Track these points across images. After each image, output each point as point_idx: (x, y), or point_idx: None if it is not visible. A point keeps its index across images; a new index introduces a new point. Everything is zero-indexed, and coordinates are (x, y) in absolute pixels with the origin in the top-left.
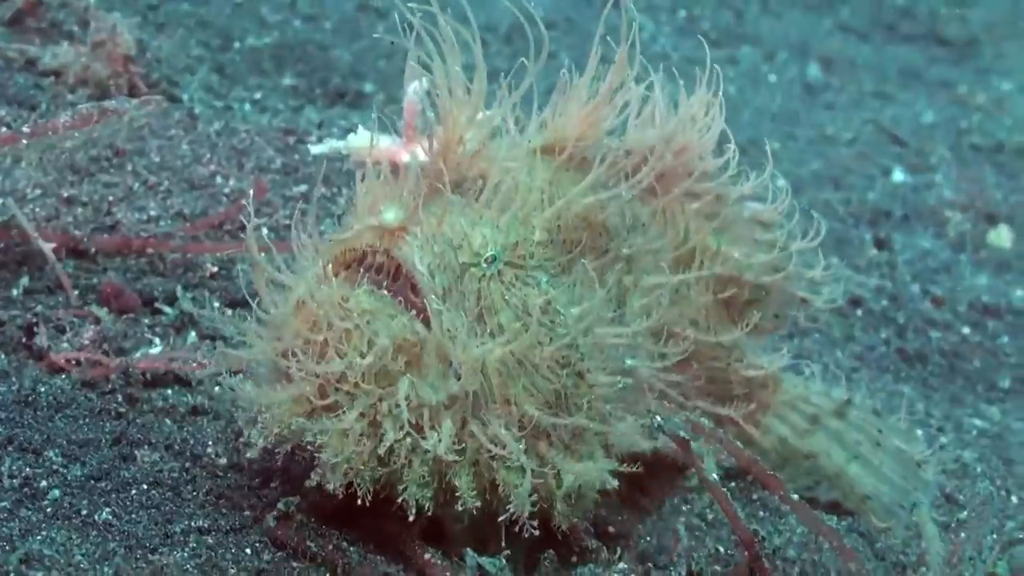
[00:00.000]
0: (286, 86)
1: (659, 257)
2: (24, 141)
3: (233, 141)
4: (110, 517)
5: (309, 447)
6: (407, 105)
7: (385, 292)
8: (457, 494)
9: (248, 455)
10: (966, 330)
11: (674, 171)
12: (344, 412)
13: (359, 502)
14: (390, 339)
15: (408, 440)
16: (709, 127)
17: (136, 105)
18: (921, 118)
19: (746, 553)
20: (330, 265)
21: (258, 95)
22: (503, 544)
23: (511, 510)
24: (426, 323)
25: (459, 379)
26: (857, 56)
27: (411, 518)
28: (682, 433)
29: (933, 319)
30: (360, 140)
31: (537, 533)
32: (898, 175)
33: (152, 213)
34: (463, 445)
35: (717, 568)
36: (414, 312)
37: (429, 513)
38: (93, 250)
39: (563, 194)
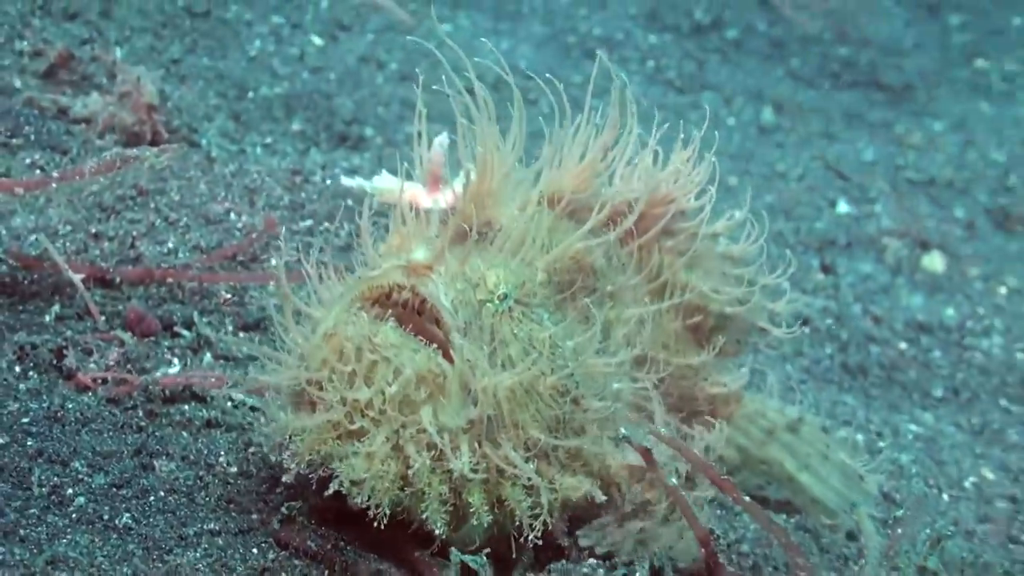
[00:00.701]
0: (294, 131)
1: (637, 291)
2: (54, 185)
3: (246, 181)
4: (130, 521)
5: (336, 470)
6: (433, 155)
7: (407, 330)
8: (472, 510)
9: (285, 479)
10: (903, 345)
11: (652, 214)
12: (371, 437)
13: (375, 524)
14: (414, 371)
15: (430, 462)
16: (692, 180)
17: (155, 152)
18: (862, 155)
19: (703, 550)
20: (359, 300)
21: (269, 139)
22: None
23: (517, 523)
24: (446, 357)
25: (476, 405)
26: (805, 101)
27: (437, 533)
28: (645, 443)
29: (873, 335)
30: (384, 183)
31: (540, 543)
32: (842, 206)
33: (171, 246)
34: (479, 465)
35: (679, 564)
36: (435, 347)
37: (444, 535)
38: (118, 280)
39: (559, 240)
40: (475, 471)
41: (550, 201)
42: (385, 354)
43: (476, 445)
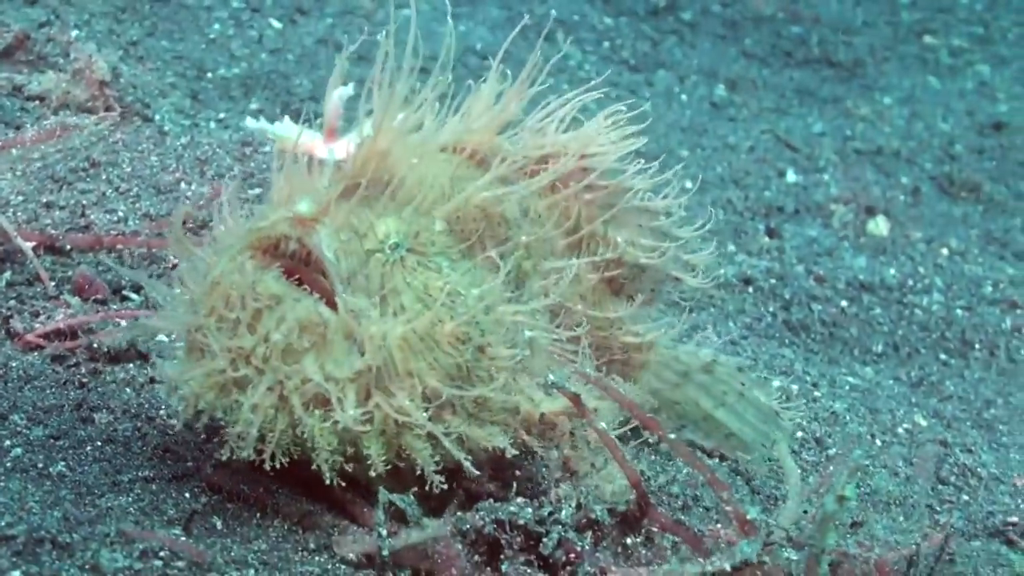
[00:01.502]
0: (251, 110)
1: (554, 244)
2: None
3: (197, 152)
4: (64, 469)
5: (221, 420)
6: (331, 107)
7: (293, 280)
8: (368, 462)
9: (176, 425)
10: (844, 303)
11: (574, 172)
12: (254, 387)
13: (269, 469)
14: (296, 320)
15: (317, 412)
16: (613, 139)
17: (95, 120)
18: (812, 128)
19: (634, 491)
20: (247, 250)
21: (223, 115)
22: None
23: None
24: (331, 306)
25: (363, 355)
26: (758, 78)
27: (326, 482)
28: (572, 387)
29: (815, 295)
30: (285, 130)
31: (445, 487)
32: (791, 176)
33: (122, 214)
34: (370, 415)
35: (605, 505)
36: (319, 296)
37: (335, 481)
38: (68, 247)
39: (463, 189)
40: (366, 421)
41: (456, 150)
42: (267, 303)
43: (365, 395)
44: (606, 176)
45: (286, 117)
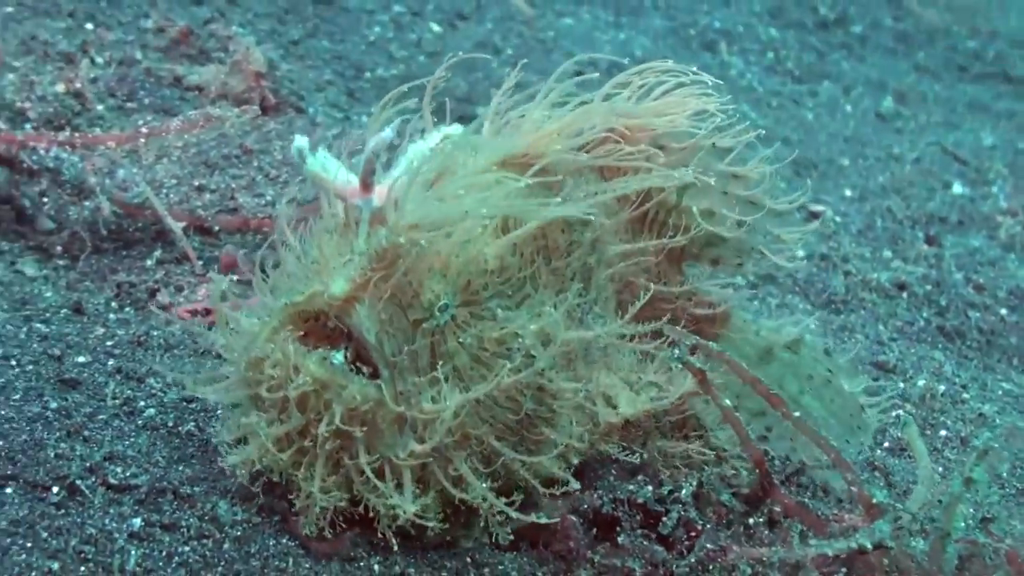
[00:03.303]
0: (406, 107)
1: (618, 223)
2: (142, 140)
3: (347, 144)
4: (193, 429)
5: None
6: (367, 161)
7: (336, 360)
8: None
9: (220, 512)
10: (1004, 311)
11: (636, 138)
12: (310, 467)
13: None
14: (342, 409)
15: (375, 495)
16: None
17: (237, 112)
18: (983, 142)
19: (757, 471)
20: (286, 324)
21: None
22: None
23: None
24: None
25: (415, 433)
26: (929, 92)
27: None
28: (697, 363)
29: (973, 302)
30: (317, 164)
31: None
32: (957, 188)
33: (269, 198)
34: (426, 486)
35: (727, 486)
36: (366, 378)
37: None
38: (216, 228)
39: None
40: (422, 496)
41: (512, 166)
42: (312, 388)
43: (422, 468)
44: (680, 138)
45: (322, 150)
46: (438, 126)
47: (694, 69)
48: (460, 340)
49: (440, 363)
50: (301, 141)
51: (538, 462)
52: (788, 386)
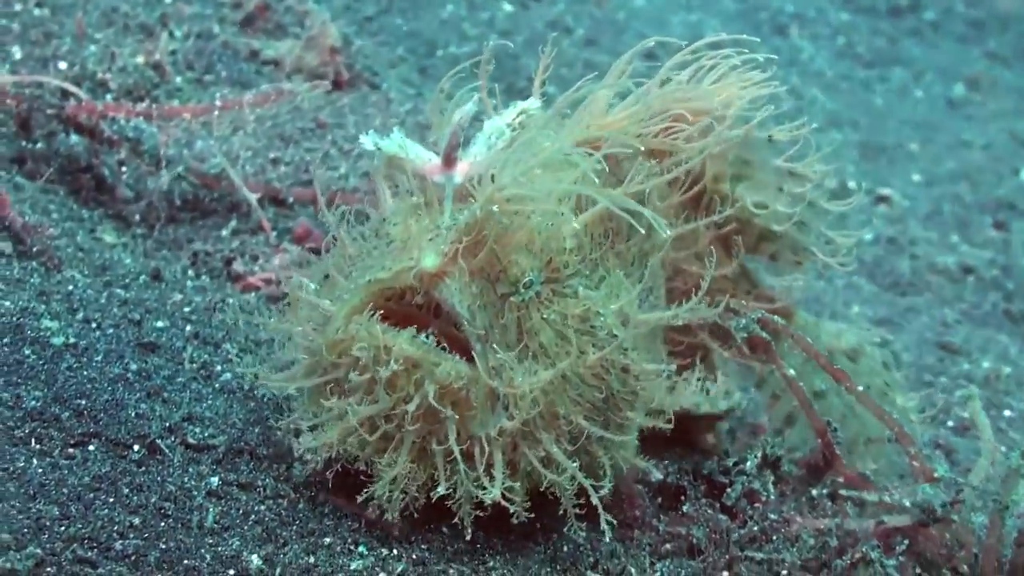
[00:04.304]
0: (476, 85)
1: (670, 207)
2: (216, 112)
3: (419, 118)
4: (268, 393)
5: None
6: (451, 135)
7: (425, 338)
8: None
9: (296, 472)
10: None
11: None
12: (396, 453)
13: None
14: (436, 387)
15: (461, 475)
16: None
17: (308, 87)
18: None
19: (820, 440)
20: (368, 302)
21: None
22: None
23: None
24: (471, 361)
25: (507, 410)
26: (1000, 79)
27: (466, 536)
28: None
29: None
30: (394, 146)
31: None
32: None
33: (343, 171)
34: (515, 466)
35: (793, 455)
36: (457, 355)
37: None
38: (290, 200)
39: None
40: (510, 478)
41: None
42: (403, 367)
43: (512, 448)
44: (736, 126)
45: (396, 130)
46: (514, 102)
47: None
48: (544, 316)
49: (527, 336)
50: (367, 142)
51: (625, 442)
52: (844, 394)
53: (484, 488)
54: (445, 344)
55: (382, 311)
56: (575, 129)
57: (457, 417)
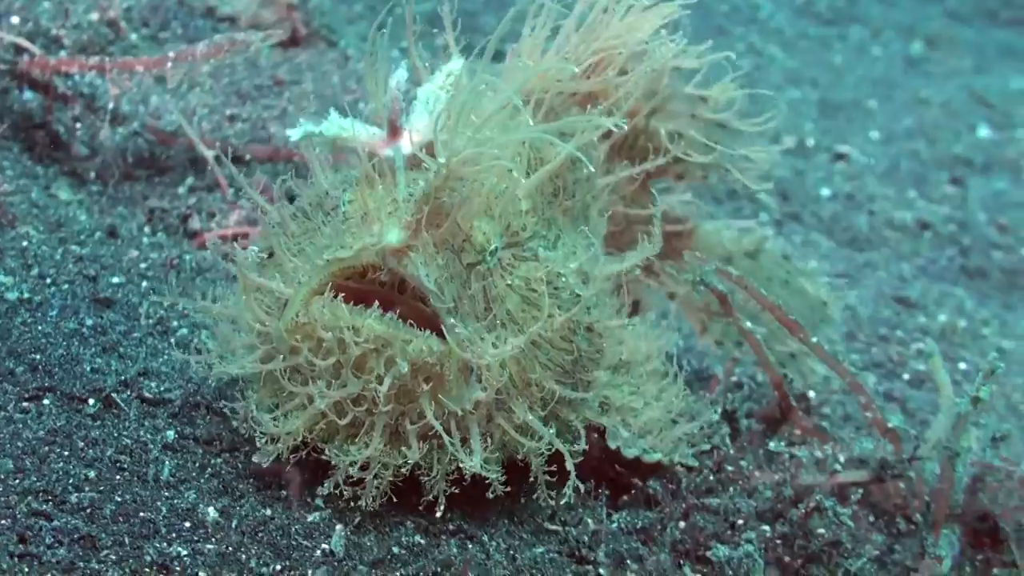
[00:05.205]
0: (436, 44)
1: (600, 155)
2: (169, 64)
3: None
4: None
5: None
6: (392, 102)
7: (393, 316)
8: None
9: (256, 460)
10: None
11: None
12: (367, 435)
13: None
14: (408, 363)
15: (436, 452)
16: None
17: (262, 36)
18: (1011, 86)
19: (776, 392)
20: (328, 281)
21: (405, 44)
22: None
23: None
24: (440, 336)
25: (480, 382)
26: (959, 37)
27: (438, 514)
28: (720, 286)
29: (996, 243)
30: (335, 128)
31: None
32: (983, 131)
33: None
34: (491, 437)
35: (750, 406)
36: (428, 331)
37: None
38: (248, 157)
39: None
40: (487, 450)
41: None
42: (373, 346)
43: (487, 420)
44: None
45: (333, 112)
46: (439, 66)
47: None
48: (509, 283)
49: (493, 305)
50: (296, 131)
51: (587, 400)
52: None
53: (462, 462)
54: (412, 321)
55: (343, 292)
56: (515, 76)
57: (431, 394)
